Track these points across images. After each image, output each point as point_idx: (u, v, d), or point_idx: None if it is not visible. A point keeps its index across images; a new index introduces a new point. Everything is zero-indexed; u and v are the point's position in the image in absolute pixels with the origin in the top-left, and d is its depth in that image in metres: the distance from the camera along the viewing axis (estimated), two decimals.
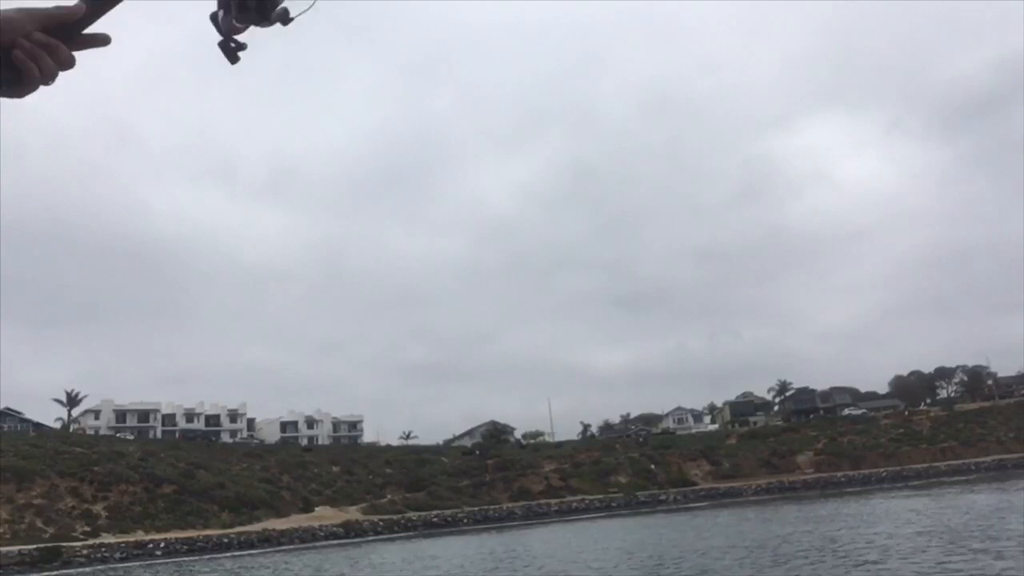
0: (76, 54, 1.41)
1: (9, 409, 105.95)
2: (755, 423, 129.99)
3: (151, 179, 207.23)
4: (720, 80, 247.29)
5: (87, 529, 64.31)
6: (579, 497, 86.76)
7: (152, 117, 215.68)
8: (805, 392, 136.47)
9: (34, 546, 55.86)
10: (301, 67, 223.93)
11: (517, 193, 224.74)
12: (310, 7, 1.71)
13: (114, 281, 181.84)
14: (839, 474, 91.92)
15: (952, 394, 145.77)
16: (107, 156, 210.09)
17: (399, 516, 76.34)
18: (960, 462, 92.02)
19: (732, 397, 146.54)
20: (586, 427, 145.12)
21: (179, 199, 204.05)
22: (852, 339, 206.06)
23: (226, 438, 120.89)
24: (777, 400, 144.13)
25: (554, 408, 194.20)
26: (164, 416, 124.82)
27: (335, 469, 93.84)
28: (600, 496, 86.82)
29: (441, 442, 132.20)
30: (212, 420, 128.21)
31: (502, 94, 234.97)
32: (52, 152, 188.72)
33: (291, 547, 60.97)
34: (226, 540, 62.05)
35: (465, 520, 76.64)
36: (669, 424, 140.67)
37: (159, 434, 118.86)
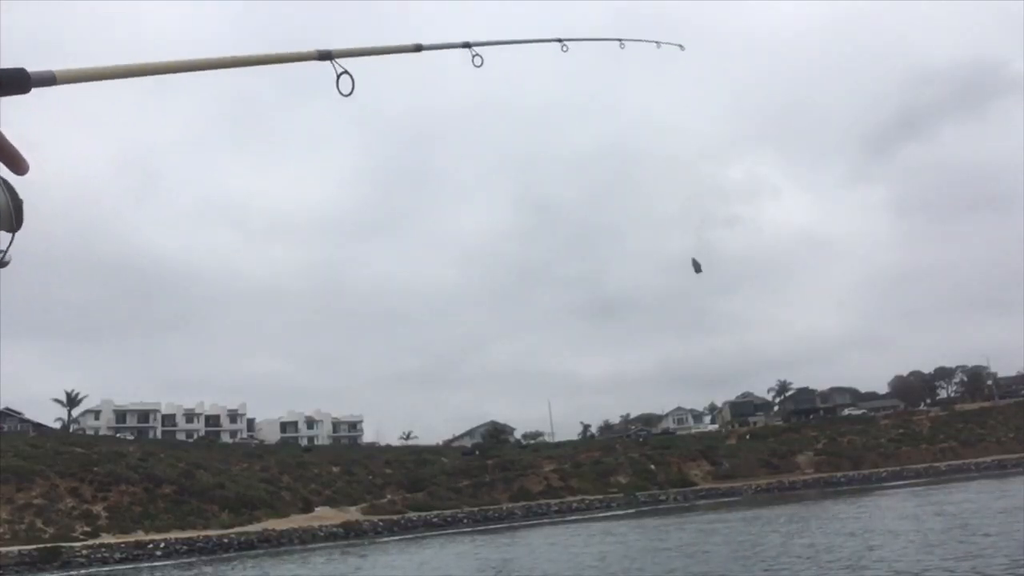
0: None
1: (9, 409, 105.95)
2: (755, 423, 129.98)
3: (169, 222, 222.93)
4: (666, 125, 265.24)
5: (87, 529, 64.27)
6: (579, 497, 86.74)
7: (171, 171, 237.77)
8: (805, 392, 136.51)
9: (34, 546, 55.81)
10: (300, 133, 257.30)
11: (488, 227, 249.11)
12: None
13: (121, 303, 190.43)
14: (839, 474, 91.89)
15: (952, 394, 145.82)
16: (134, 203, 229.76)
17: (399, 516, 76.32)
18: (960, 462, 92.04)
19: (732, 397, 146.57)
20: (586, 427, 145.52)
21: (192, 239, 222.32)
22: (852, 339, 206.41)
23: (226, 438, 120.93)
24: (777, 400, 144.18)
25: (554, 409, 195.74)
26: (164, 416, 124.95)
27: (335, 469, 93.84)
28: (600, 496, 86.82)
29: (441, 442, 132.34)
30: (212, 420, 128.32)
31: (468, 155, 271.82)
32: (80, 191, 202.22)
33: (291, 547, 61.04)
34: (226, 540, 61.98)
35: (465, 520, 76.63)
36: (669, 424, 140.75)
37: (159, 434, 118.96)
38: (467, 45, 2.73)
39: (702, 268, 57.59)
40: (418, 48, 2.37)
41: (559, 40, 2.79)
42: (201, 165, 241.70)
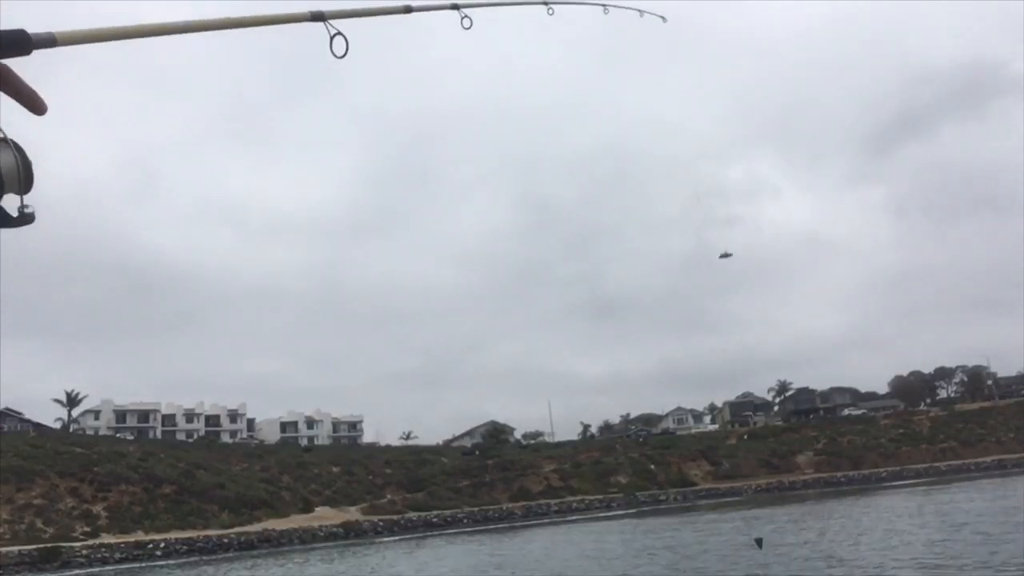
0: None
1: (9, 409, 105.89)
2: (755, 423, 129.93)
3: (169, 222, 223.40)
4: (666, 125, 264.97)
5: (87, 529, 64.26)
6: (579, 497, 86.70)
7: (171, 171, 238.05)
8: (805, 392, 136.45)
9: (34, 546, 55.82)
10: (300, 133, 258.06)
11: (488, 226, 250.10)
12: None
13: (122, 303, 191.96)
14: (839, 474, 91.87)
15: (952, 394, 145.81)
16: (134, 203, 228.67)
17: (399, 516, 76.32)
18: (960, 462, 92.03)
19: (732, 397, 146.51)
20: (586, 427, 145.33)
21: (192, 239, 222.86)
22: (852, 339, 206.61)
23: (226, 438, 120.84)
24: (777, 400, 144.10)
25: (554, 409, 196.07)
26: (164, 416, 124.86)
27: (335, 469, 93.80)
28: (600, 496, 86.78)
29: (441, 442, 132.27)
30: (212, 420, 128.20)
31: (468, 155, 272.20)
32: (80, 191, 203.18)
33: (290, 547, 61.03)
34: (226, 540, 62.00)
35: (465, 520, 76.61)
36: (669, 424, 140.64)
37: (159, 434, 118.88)
38: (455, 7, 2.92)
39: (728, 254, 66.24)
40: (408, 10, 2.45)
41: (544, 3, 2.94)
42: (201, 165, 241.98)
